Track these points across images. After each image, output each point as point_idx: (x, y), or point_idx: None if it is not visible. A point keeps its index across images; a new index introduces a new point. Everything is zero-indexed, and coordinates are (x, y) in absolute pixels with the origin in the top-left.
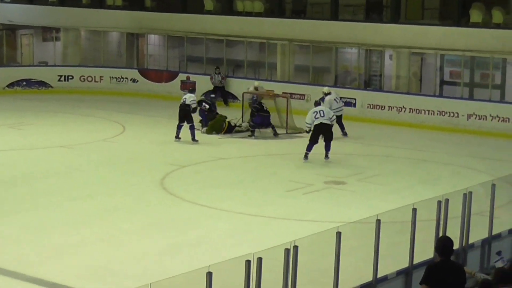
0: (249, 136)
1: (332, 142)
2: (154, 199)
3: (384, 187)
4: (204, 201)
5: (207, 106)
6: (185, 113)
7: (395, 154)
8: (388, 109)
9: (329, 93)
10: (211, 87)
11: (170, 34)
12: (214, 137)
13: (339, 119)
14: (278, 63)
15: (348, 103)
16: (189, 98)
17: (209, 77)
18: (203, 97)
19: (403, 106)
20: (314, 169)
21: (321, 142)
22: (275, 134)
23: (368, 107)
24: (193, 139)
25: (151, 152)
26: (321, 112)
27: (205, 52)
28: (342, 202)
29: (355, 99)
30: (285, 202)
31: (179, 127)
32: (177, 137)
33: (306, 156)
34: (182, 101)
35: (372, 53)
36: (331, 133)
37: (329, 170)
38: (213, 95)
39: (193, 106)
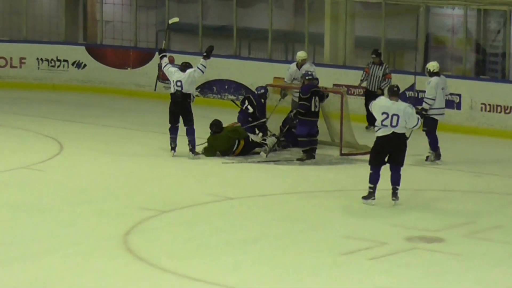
0: (299, 159)
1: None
2: (110, 268)
3: (510, 248)
4: (197, 272)
5: (251, 109)
6: (182, 108)
7: None
8: None
9: (436, 73)
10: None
11: None
12: (216, 160)
13: (432, 126)
14: (327, 34)
15: (447, 102)
16: (188, 79)
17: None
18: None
19: None
20: (387, 216)
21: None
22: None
23: (482, 109)
24: (193, 150)
25: (107, 186)
26: (395, 117)
27: (201, 16)
28: (439, 274)
29: (459, 95)
30: (340, 275)
31: (173, 131)
32: (173, 148)
33: (370, 195)
34: (174, 88)
35: (490, 15)
36: (404, 151)
37: (414, 218)
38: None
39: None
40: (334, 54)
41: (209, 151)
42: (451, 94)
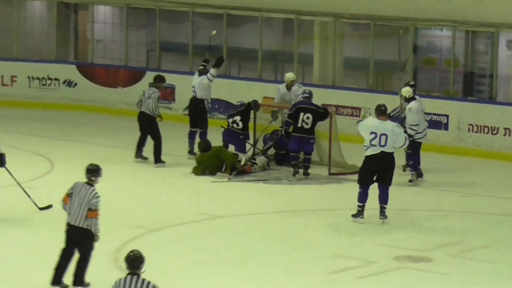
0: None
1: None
2: (100, 286)
3: (497, 268)
4: None
5: (240, 124)
6: (195, 112)
7: None
8: (505, 134)
9: (412, 98)
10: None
11: (132, 4)
12: (206, 179)
13: (416, 150)
14: (316, 54)
15: (434, 123)
16: (198, 85)
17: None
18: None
19: None
20: (375, 235)
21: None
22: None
23: (469, 130)
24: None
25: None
26: (383, 136)
27: (191, 36)
28: None
29: (447, 116)
30: None
31: (190, 135)
32: (189, 152)
33: (359, 213)
34: (192, 93)
35: (478, 37)
36: (392, 170)
37: (402, 237)
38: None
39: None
40: (323, 74)
41: (198, 170)
42: (438, 113)
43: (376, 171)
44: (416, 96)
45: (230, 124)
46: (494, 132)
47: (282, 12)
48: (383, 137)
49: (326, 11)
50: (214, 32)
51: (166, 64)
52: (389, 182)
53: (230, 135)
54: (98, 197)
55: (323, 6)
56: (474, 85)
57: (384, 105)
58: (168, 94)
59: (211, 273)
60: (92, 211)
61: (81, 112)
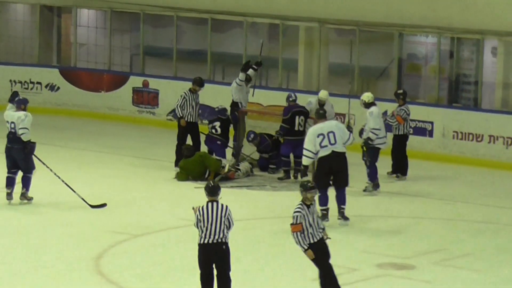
0: (280, 178)
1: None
2: None
3: (481, 275)
4: None
5: (218, 130)
6: (232, 113)
7: (501, 219)
8: (490, 141)
9: (372, 103)
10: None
11: (116, 8)
12: (189, 185)
13: (374, 157)
14: (301, 60)
15: (419, 129)
16: (231, 88)
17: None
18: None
19: None
20: (358, 242)
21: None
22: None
23: (454, 137)
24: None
25: (80, 209)
26: (331, 134)
27: (176, 40)
28: None
29: (431, 122)
30: None
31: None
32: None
33: (324, 216)
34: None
35: (463, 44)
36: (346, 170)
37: (384, 245)
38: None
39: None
40: (308, 80)
41: (181, 176)
42: (422, 120)
43: (330, 172)
44: (376, 102)
45: (210, 130)
46: (479, 139)
47: (267, 17)
48: (331, 135)
49: (311, 17)
50: (262, 41)
51: (150, 68)
52: (345, 183)
53: (209, 141)
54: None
55: (308, 11)
56: (459, 92)
57: (323, 109)
58: (151, 99)
59: (193, 279)
60: None
61: (63, 117)
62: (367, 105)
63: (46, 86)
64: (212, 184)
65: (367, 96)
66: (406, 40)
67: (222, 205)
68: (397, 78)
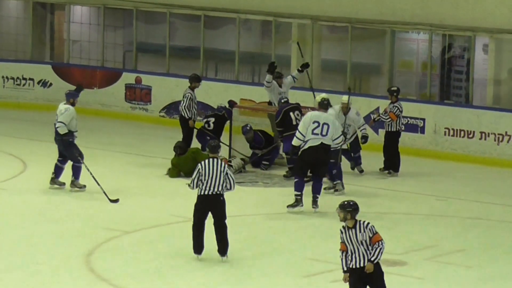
0: (285, 175)
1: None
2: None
3: (472, 272)
4: None
5: (211, 126)
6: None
7: (492, 216)
8: (481, 137)
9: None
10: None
11: (109, 4)
12: (181, 181)
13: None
14: (293, 57)
15: (411, 126)
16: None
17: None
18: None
19: (506, 133)
20: None
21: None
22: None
23: (446, 134)
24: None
25: (71, 205)
26: (325, 126)
27: (169, 37)
28: None
29: (423, 119)
30: None
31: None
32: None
33: (298, 202)
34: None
35: (455, 41)
36: (327, 165)
37: None
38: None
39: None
40: (300, 77)
41: (173, 172)
42: (414, 117)
43: (314, 163)
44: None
45: (204, 124)
46: (470, 136)
47: (260, 14)
48: (325, 126)
49: (304, 14)
50: (297, 42)
51: (143, 65)
52: (323, 174)
53: (199, 136)
54: None
55: (301, 8)
56: (450, 89)
57: (327, 99)
58: (144, 95)
59: (184, 276)
60: None
61: (56, 113)
62: (346, 109)
63: (38, 83)
64: (214, 143)
65: (346, 99)
66: (398, 37)
67: (220, 161)
68: (389, 75)
